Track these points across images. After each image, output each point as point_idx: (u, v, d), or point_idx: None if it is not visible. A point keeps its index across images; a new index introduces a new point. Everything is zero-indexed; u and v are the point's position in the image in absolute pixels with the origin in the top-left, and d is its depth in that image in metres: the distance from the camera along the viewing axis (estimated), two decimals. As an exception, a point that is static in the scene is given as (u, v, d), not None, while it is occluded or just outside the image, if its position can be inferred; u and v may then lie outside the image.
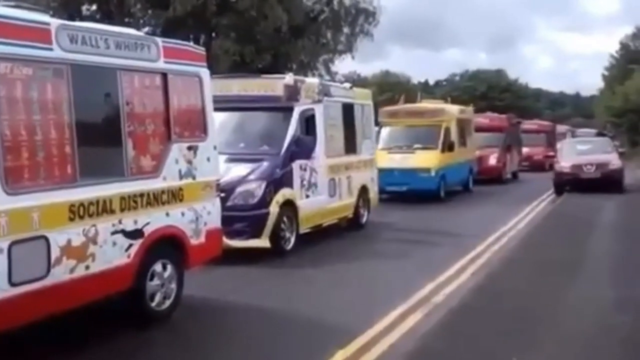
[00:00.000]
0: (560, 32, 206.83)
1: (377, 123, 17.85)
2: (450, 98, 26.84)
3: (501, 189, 22.60)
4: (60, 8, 25.07)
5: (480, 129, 23.75)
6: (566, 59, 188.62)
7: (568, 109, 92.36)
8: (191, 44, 8.65)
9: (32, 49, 5.48)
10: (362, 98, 14.47)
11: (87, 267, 5.84)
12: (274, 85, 11.39)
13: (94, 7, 28.44)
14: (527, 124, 32.97)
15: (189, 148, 7.25)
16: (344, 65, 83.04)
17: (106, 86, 6.38)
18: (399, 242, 12.22)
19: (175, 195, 6.97)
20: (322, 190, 11.77)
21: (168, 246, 6.93)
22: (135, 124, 6.58)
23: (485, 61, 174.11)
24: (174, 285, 7.02)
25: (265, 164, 10.55)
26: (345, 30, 31.88)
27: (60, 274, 5.56)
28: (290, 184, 10.80)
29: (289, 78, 11.45)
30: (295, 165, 10.95)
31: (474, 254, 10.71)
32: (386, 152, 17.79)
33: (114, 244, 6.16)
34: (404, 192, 17.69)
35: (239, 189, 10.13)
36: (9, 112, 5.27)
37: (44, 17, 5.94)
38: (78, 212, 5.77)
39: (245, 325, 7.01)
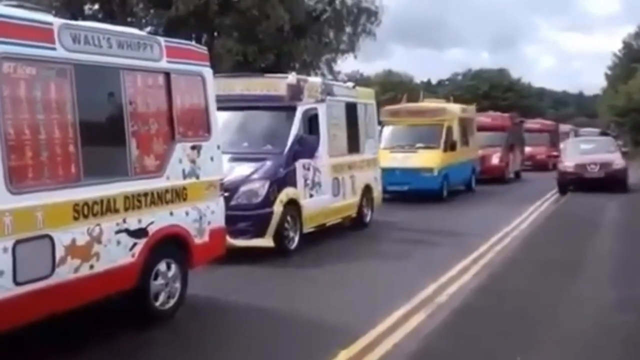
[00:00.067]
0: (562, 31, 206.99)
1: (379, 122, 17.80)
2: (453, 97, 26.82)
3: (504, 189, 22.55)
4: (63, 7, 25.08)
5: (482, 128, 23.66)
6: (569, 59, 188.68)
7: (571, 109, 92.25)
8: (194, 43, 8.64)
9: (35, 48, 5.49)
10: (365, 97, 14.46)
11: (91, 267, 5.85)
12: (277, 84, 11.38)
13: (96, 6, 28.46)
14: (530, 123, 32.88)
15: (193, 147, 7.25)
16: (346, 64, 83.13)
17: (109, 86, 6.39)
18: (403, 242, 12.21)
19: (179, 195, 6.98)
20: (325, 190, 11.76)
21: (172, 245, 6.94)
22: (139, 124, 6.58)
23: (488, 61, 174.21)
24: (178, 285, 7.03)
25: (268, 163, 10.56)
26: (348, 29, 31.87)
27: (65, 273, 5.57)
28: (293, 184, 10.80)
29: (292, 77, 11.46)
30: (299, 164, 10.95)
31: (477, 254, 10.69)
32: (388, 152, 17.66)
33: (118, 243, 6.16)
34: (406, 191, 17.58)
35: (243, 188, 10.13)
36: (12, 112, 5.27)
37: (47, 17, 5.95)
38: (82, 211, 5.77)
39: (247, 325, 7.01)
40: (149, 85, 6.84)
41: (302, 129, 11.14)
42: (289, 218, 10.55)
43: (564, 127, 37.57)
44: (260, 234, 10.12)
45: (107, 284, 6.10)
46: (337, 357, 5.84)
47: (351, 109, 13.32)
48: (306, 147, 11.09)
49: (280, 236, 10.32)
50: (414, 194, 17.58)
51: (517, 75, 72.48)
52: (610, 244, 12.13)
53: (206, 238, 7.38)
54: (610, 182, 19.98)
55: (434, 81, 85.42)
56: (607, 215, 15.76)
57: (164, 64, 6.96)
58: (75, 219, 5.71)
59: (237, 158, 10.28)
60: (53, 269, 5.47)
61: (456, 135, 19.78)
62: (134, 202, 6.36)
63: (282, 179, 10.53)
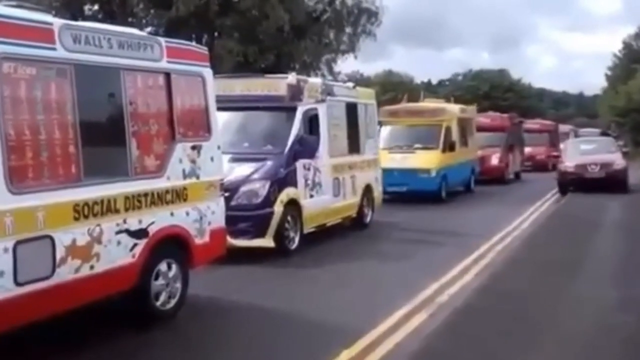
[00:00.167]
0: (562, 31, 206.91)
1: (378, 122, 17.74)
2: (454, 98, 26.78)
3: (504, 189, 22.52)
4: (63, 8, 25.08)
5: (481, 129, 23.53)
6: (569, 59, 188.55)
7: (572, 109, 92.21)
8: (194, 43, 8.64)
9: (35, 48, 5.49)
10: (366, 97, 14.46)
11: (91, 267, 5.85)
12: (277, 85, 11.39)
13: (97, 6, 28.46)
14: (530, 124, 32.82)
15: (193, 148, 7.25)
16: (346, 65, 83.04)
17: (110, 86, 6.39)
18: (403, 242, 12.20)
19: (179, 195, 6.98)
20: (326, 190, 11.76)
21: (172, 246, 6.94)
22: (139, 124, 6.58)
23: (488, 61, 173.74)
24: (178, 285, 7.02)
25: (269, 163, 10.55)
26: (348, 30, 31.86)
27: (65, 273, 5.56)
28: (294, 184, 10.80)
29: (292, 78, 11.46)
30: (299, 164, 10.95)
31: (478, 254, 10.69)
32: (386, 152, 17.42)
33: (119, 243, 6.16)
34: (405, 193, 17.43)
35: (243, 189, 10.13)
36: (13, 112, 5.27)
37: (47, 17, 5.95)
38: (83, 211, 5.77)
39: (248, 325, 7.01)
40: (150, 86, 6.84)
41: (303, 129, 11.14)
42: (289, 218, 10.54)
43: (563, 128, 37.50)
44: (261, 234, 10.12)
45: (108, 285, 6.10)
46: (339, 357, 5.84)
47: (351, 109, 13.32)
48: (306, 147, 11.09)
49: (280, 236, 10.32)
50: (412, 195, 17.46)
51: (517, 75, 72.53)
52: (611, 244, 12.13)
53: (207, 238, 7.38)
54: (611, 183, 19.97)
55: (434, 81, 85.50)
56: (607, 216, 15.75)
57: (164, 64, 6.96)
58: (76, 219, 5.71)
59: (238, 158, 10.28)
60: (54, 270, 5.46)
61: (455, 135, 19.65)
62: (134, 202, 6.36)
63: (282, 179, 10.53)
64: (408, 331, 6.66)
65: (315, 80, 12.80)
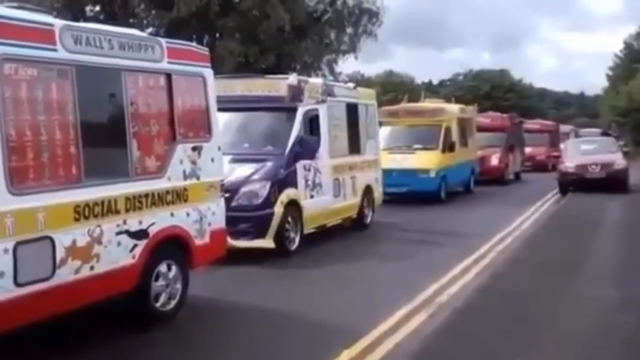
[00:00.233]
0: (563, 31, 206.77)
1: (379, 123, 17.71)
2: (455, 98, 26.76)
3: (504, 190, 22.50)
4: (64, 9, 25.12)
5: (481, 129, 23.46)
6: (570, 59, 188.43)
7: (573, 109, 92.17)
8: (194, 44, 8.65)
9: (36, 49, 5.50)
10: (366, 98, 14.46)
11: (92, 268, 5.86)
12: (278, 85, 11.39)
13: (98, 7, 28.48)
14: (530, 124, 32.78)
15: (194, 148, 7.26)
16: (347, 65, 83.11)
17: (110, 87, 6.40)
18: (403, 243, 12.21)
19: (179, 196, 6.98)
20: (326, 191, 11.77)
21: (173, 246, 6.95)
22: (140, 125, 6.59)
23: (489, 61, 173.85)
24: (179, 286, 7.03)
25: (269, 164, 10.56)
26: (349, 30, 31.85)
27: (66, 274, 5.57)
28: (294, 184, 10.80)
29: (293, 78, 11.47)
30: (299, 165, 10.95)
31: (478, 254, 10.70)
32: (386, 153, 17.19)
33: (119, 244, 6.17)
34: (404, 193, 17.30)
35: (243, 189, 10.14)
36: (14, 113, 5.28)
37: (48, 18, 5.97)
38: (83, 212, 5.78)
39: (248, 326, 7.01)
40: (150, 86, 6.85)
41: (303, 129, 11.14)
42: (289, 219, 10.55)
43: (564, 128, 37.47)
44: (261, 235, 10.12)
45: (108, 285, 6.10)
46: (339, 357, 5.85)
47: (352, 110, 13.32)
48: (307, 148, 11.10)
49: (280, 237, 10.33)
50: (412, 195, 17.36)
51: (518, 75, 72.55)
52: (611, 244, 12.13)
53: (207, 239, 7.39)
54: (611, 183, 19.97)
55: (435, 82, 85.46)
56: (608, 216, 15.75)
57: (165, 65, 6.97)
58: (76, 220, 5.71)
59: (238, 159, 10.29)
60: (54, 270, 5.47)
61: (455, 136, 19.59)
62: (134, 203, 6.37)
63: (282, 180, 10.54)
64: (408, 331, 6.67)
65: (315, 81, 12.80)
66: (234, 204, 9.66)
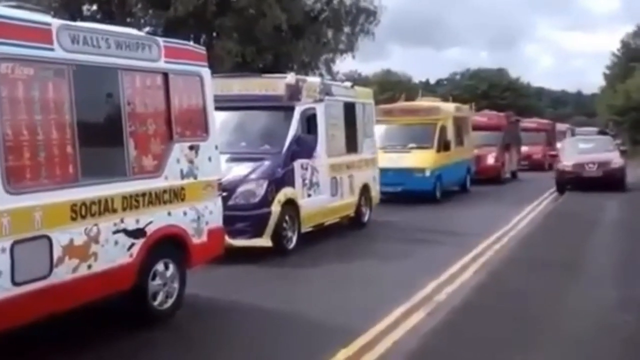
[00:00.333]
0: (561, 30, 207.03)
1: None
2: (452, 97, 26.73)
3: (500, 189, 22.47)
4: (61, 8, 25.05)
5: (477, 128, 23.39)
6: (567, 58, 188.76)
7: (570, 108, 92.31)
8: (192, 43, 8.65)
9: (33, 49, 5.49)
10: (364, 97, 14.47)
11: (89, 267, 5.85)
12: (275, 84, 11.39)
13: (95, 7, 28.45)
14: (527, 123, 32.69)
15: (191, 147, 7.25)
16: (345, 64, 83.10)
17: (107, 86, 6.39)
18: (401, 241, 12.21)
19: (177, 195, 6.98)
20: (323, 190, 11.77)
21: (170, 245, 6.94)
22: (137, 124, 6.58)
23: (487, 60, 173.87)
24: (176, 285, 7.02)
25: (266, 163, 10.56)
26: (346, 29, 31.84)
27: (63, 273, 5.57)
28: (291, 183, 10.80)
29: (291, 77, 11.46)
30: (297, 164, 10.95)
31: (476, 253, 10.71)
32: (381, 152, 16.82)
33: (116, 243, 6.16)
34: (399, 193, 17.12)
35: (241, 189, 10.14)
36: (10, 112, 5.27)
37: (45, 18, 5.94)
38: (80, 211, 5.77)
39: (247, 325, 7.01)
40: (147, 86, 6.85)
41: (300, 128, 11.14)
42: (287, 218, 10.55)
43: (560, 127, 37.51)
44: (259, 233, 10.12)
45: (105, 284, 6.10)
46: (336, 356, 5.85)
47: (349, 109, 13.33)
48: (304, 147, 11.09)
49: (278, 236, 10.33)
50: (407, 195, 17.22)
51: (515, 74, 72.64)
52: (610, 243, 12.15)
53: (204, 238, 7.38)
54: (609, 181, 20.01)
55: (432, 81, 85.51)
56: (605, 215, 15.77)
57: (162, 64, 6.96)
58: (73, 219, 5.71)
59: (235, 158, 10.28)
60: (51, 269, 5.46)
61: (450, 134, 19.47)
62: (131, 202, 6.36)
63: (280, 179, 10.54)
64: (406, 329, 6.68)
65: (313, 80, 12.79)
66: (231, 202, 9.66)
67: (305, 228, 11.16)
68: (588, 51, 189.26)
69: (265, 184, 10.26)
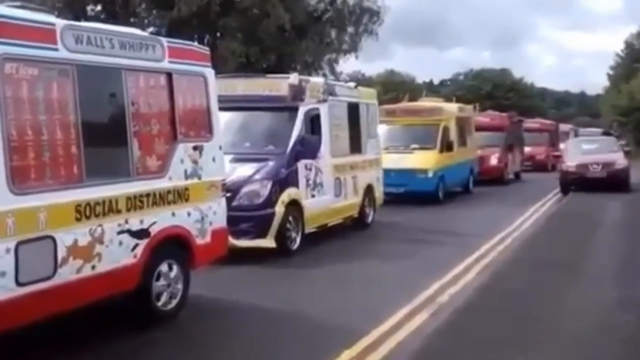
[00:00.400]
0: (564, 30, 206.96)
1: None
2: (456, 97, 26.68)
3: (503, 190, 22.40)
4: (65, 8, 25.10)
5: (480, 128, 23.23)
6: (571, 58, 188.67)
7: (573, 108, 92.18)
8: (195, 43, 8.66)
9: (37, 49, 5.49)
10: (367, 97, 14.46)
11: (93, 267, 5.85)
12: (279, 85, 11.39)
13: (99, 7, 28.51)
14: (530, 123, 32.53)
15: (195, 148, 7.26)
16: (348, 65, 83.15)
17: (111, 86, 6.39)
18: (405, 242, 12.20)
19: (181, 195, 6.98)
20: (327, 190, 11.77)
21: (174, 246, 6.94)
22: (141, 124, 6.59)
23: (490, 60, 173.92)
24: (180, 285, 7.03)
25: (270, 163, 10.56)
26: (350, 29, 31.87)
27: (67, 273, 5.57)
28: (295, 184, 10.80)
29: (294, 78, 11.46)
30: (301, 164, 10.95)
31: (479, 254, 10.70)
32: (384, 152, 16.60)
33: (120, 243, 6.16)
34: (402, 193, 17.00)
35: (245, 189, 10.14)
36: (15, 113, 5.28)
37: (49, 18, 5.95)
38: (84, 212, 5.78)
39: (250, 326, 7.01)
40: (151, 86, 6.85)
41: (304, 129, 11.14)
42: (290, 218, 10.55)
43: (563, 127, 37.39)
44: (262, 234, 10.12)
45: (109, 285, 6.10)
46: (340, 357, 5.84)
47: (353, 109, 13.32)
48: (308, 147, 11.09)
49: (282, 237, 10.32)
50: (409, 196, 17.12)
51: (519, 74, 72.50)
52: (613, 243, 12.12)
53: (208, 239, 7.38)
54: (613, 182, 19.96)
55: (436, 81, 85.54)
56: (609, 215, 15.74)
57: (166, 64, 6.96)
58: (78, 219, 5.71)
59: (239, 158, 10.28)
60: (55, 270, 5.47)
61: (453, 135, 19.36)
62: (136, 202, 6.36)
63: (284, 180, 10.53)
64: (410, 330, 6.68)
65: (317, 80, 12.80)
66: (235, 203, 9.65)
67: (309, 229, 11.15)
68: (591, 51, 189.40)
69: (269, 185, 10.26)
